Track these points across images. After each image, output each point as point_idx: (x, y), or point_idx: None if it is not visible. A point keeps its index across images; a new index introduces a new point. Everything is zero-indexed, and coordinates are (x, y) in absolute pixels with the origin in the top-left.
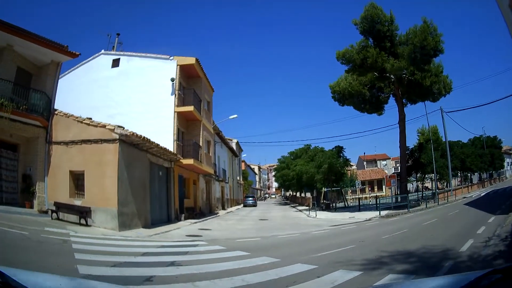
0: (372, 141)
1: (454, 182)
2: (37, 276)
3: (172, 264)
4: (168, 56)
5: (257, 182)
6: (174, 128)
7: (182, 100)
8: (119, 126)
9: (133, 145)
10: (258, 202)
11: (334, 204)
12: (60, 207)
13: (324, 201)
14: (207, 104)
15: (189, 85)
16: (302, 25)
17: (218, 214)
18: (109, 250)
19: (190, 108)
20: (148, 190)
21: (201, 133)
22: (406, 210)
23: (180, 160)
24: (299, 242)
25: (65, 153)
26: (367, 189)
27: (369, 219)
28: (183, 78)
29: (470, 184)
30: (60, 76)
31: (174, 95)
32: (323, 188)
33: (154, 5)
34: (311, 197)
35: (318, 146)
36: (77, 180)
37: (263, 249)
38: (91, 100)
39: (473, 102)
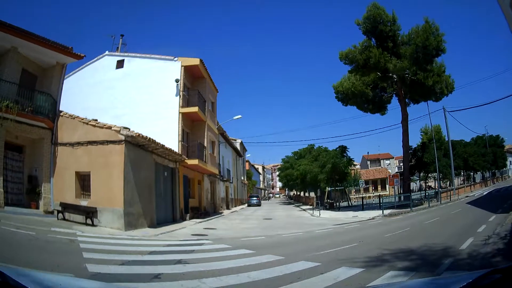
0: (376, 141)
1: (457, 181)
2: (37, 275)
3: (179, 262)
4: (172, 57)
5: (261, 182)
6: (179, 129)
7: (186, 101)
8: (125, 128)
9: (138, 146)
10: (262, 201)
11: (337, 204)
12: (66, 207)
13: (328, 200)
14: (212, 104)
15: (194, 86)
16: (305, 25)
17: (222, 214)
18: (116, 249)
19: (195, 109)
20: (154, 190)
21: (205, 134)
22: (409, 209)
23: (185, 161)
24: (303, 240)
25: (71, 154)
26: (370, 189)
27: (372, 218)
28: (188, 79)
29: (472, 183)
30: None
31: (178, 96)
32: (327, 187)
33: (155, 5)
34: (315, 196)
35: (322, 146)
36: (83, 181)
37: (267, 248)
38: (95, 101)
39: (476, 101)
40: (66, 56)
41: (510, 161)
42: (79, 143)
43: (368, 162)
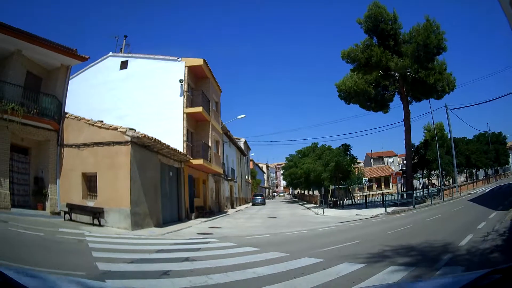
0: (379, 138)
1: (460, 178)
2: (37, 276)
3: (186, 259)
4: (176, 58)
5: (265, 181)
6: (183, 129)
7: (190, 101)
8: (130, 129)
9: (144, 147)
10: (266, 200)
11: (341, 202)
12: (73, 208)
13: (332, 198)
14: (215, 104)
15: (197, 86)
16: (305, 25)
17: (227, 213)
18: (124, 248)
19: (199, 109)
20: (159, 190)
21: (210, 134)
22: (412, 206)
23: (190, 161)
24: (306, 238)
25: (77, 155)
26: (374, 187)
27: (375, 216)
28: (191, 79)
29: (475, 180)
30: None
31: (182, 96)
32: (331, 186)
33: (155, 5)
34: (318, 195)
35: (325, 145)
36: (89, 182)
37: (272, 245)
38: (99, 102)
39: (477, 99)
40: (70, 58)
41: None
42: (85, 145)
43: (372, 160)
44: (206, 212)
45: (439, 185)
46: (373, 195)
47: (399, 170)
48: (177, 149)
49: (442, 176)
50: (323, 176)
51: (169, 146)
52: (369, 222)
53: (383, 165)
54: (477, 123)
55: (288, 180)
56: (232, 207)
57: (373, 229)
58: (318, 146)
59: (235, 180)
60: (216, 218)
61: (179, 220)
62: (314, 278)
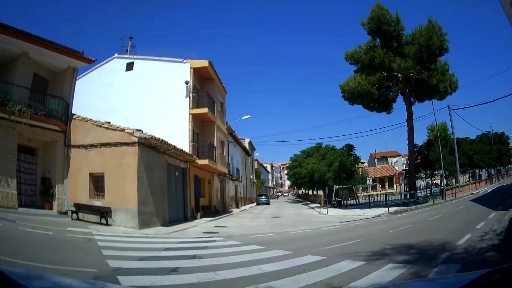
0: (383, 139)
1: (463, 178)
2: (37, 276)
3: (193, 257)
4: (181, 59)
5: (270, 181)
6: (189, 130)
7: (196, 102)
8: (138, 130)
9: (151, 147)
10: (271, 200)
11: (345, 202)
12: (80, 208)
13: (336, 198)
14: (221, 105)
15: (203, 87)
16: (306, 25)
17: (232, 212)
18: (133, 246)
19: (204, 110)
20: (166, 190)
21: (215, 134)
22: (414, 206)
23: (196, 161)
24: (310, 237)
25: (84, 156)
26: (378, 186)
27: (378, 216)
28: (197, 81)
29: (478, 180)
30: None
31: (188, 98)
32: (335, 185)
33: (155, 5)
34: (322, 194)
35: (329, 145)
36: (97, 182)
37: (276, 243)
38: (106, 103)
39: (481, 99)
40: (77, 60)
41: None
42: (92, 145)
43: (376, 160)
44: (211, 211)
45: (442, 185)
46: (376, 195)
47: (402, 170)
48: (183, 149)
49: (445, 176)
50: (327, 176)
51: (176, 146)
52: (372, 221)
53: (387, 165)
54: (479, 123)
55: (293, 180)
56: (237, 206)
57: (375, 228)
58: (322, 146)
59: (240, 180)
60: (221, 217)
61: (185, 219)
62: (316, 275)
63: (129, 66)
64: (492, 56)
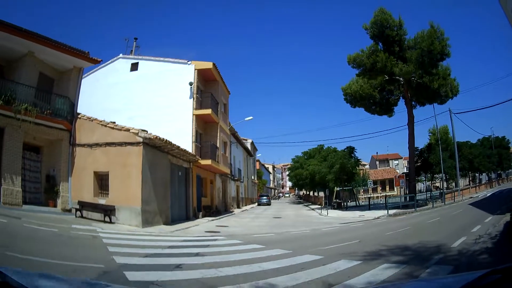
0: (385, 141)
1: (463, 182)
2: (37, 276)
3: (196, 254)
4: (186, 61)
5: (271, 181)
6: (192, 130)
7: (199, 103)
8: (142, 130)
9: (155, 147)
10: (272, 201)
11: (345, 203)
12: (85, 205)
13: (336, 200)
14: (224, 106)
15: (207, 89)
16: (307, 25)
17: (233, 212)
18: (137, 244)
19: (208, 111)
20: (169, 189)
21: (218, 135)
22: (413, 209)
23: (199, 161)
24: (309, 237)
25: (89, 155)
26: (378, 189)
27: (377, 218)
28: (201, 82)
29: (478, 184)
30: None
31: (192, 99)
32: (335, 187)
33: (155, 5)
34: (323, 196)
35: (331, 147)
36: (101, 180)
37: (276, 243)
38: (110, 103)
39: (482, 103)
40: (82, 60)
41: None
42: (97, 144)
43: (377, 162)
44: (213, 211)
45: (442, 188)
46: (377, 197)
47: (403, 173)
48: (187, 149)
49: (445, 180)
50: (328, 177)
51: (179, 147)
52: (371, 223)
53: (388, 167)
54: (481, 127)
55: (294, 181)
56: (238, 207)
57: (373, 230)
58: (324, 148)
59: (242, 180)
60: (223, 217)
61: (187, 218)
62: (313, 272)
63: (134, 67)
64: (495, 60)
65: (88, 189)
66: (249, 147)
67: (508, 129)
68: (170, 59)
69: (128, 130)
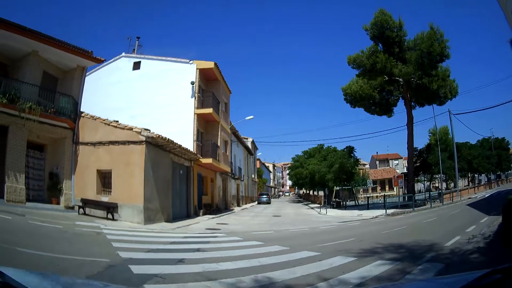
0: (385, 141)
1: (462, 183)
2: (36, 276)
3: (197, 250)
4: (187, 60)
5: (272, 180)
6: (194, 129)
7: (201, 102)
8: (145, 129)
9: (157, 146)
10: (272, 199)
11: (344, 202)
12: (87, 203)
13: (336, 199)
14: (225, 105)
15: (208, 88)
16: (315, 25)
17: (233, 211)
18: (140, 240)
19: (209, 110)
20: (170, 187)
21: (219, 134)
22: (411, 209)
23: (200, 160)
24: (307, 235)
25: (92, 153)
26: (378, 188)
27: (375, 217)
28: (202, 81)
29: (477, 185)
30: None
31: (194, 98)
32: (335, 186)
33: (155, 5)
34: (323, 195)
35: (331, 146)
36: (104, 178)
37: (275, 240)
38: (113, 101)
39: (482, 104)
40: (86, 59)
41: None
42: (100, 143)
43: (377, 162)
44: (213, 209)
45: (441, 189)
46: (376, 197)
47: (401, 173)
48: (188, 148)
49: (444, 180)
50: (327, 177)
51: (181, 146)
52: (369, 222)
53: (388, 167)
54: (481, 128)
55: (294, 180)
56: (238, 205)
57: (370, 229)
58: (324, 148)
59: (242, 179)
60: (223, 215)
61: (188, 216)
62: (310, 267)
63: (136, 65)
64: (495, 62)
65: (91, 187)
66: (250, 146)
67: (508, 130)
68: (172, 58)
69: (131, 129)
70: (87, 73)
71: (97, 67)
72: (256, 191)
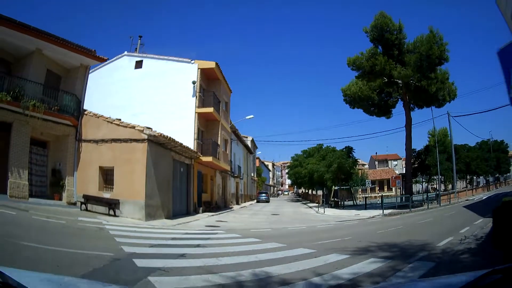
0: (385, 141)
1: (461, 184)
2: (36, 276)
3: (198, 246)
4: (189, 60)
5: (271, 179)
6: (194, 128)
7: (202, 102)
8: (147, 127)
9: (159, 144)
10: (271, 198)
11: (342, 202)
12: (89, 199)
13: (334, 199)
14: (225, 104)
15: (209, 87)
16: (315, 25)
17: (232, 209)
18: (142, 235)
19: (210, 109)
20: (171, 185)
21: (219, 132)
22: (408, 210)
23: (200, 158)
24: (304, 233)
25: (94, 150)
26: (376, 189)
27: (372, 217)
28: (203, 81)
29: (475, 187)
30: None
31: (195, 97)
32: (334, 186)
33: (155, 4)
34: (321, 194)
35: (330, 146)
36: (106, 175)
37: (273, 237)
38: (115, 99)
39: (483, 107)
40: (89, 58)
41: None
42: (103, 140)
43: (376, 163)
44: (213, 207)
45: (438, 190)
46: (375, 197)
47: (399, 173)
48: (189, 146)
49: (442, 182)
50: (325, 176)
51: (182, 144)
52: (365, 222)
53: (387, 167)
54: (480, 131)
55: (293, 179)
56: (237, 203)
57: (367, 228)
58: (323, 147)
59: (241, 177)
60: (222, 213)
61: (188, 213)
62: (305, 263)
63: (138, 64)
64: (495, 65)
65: (93, 183)
66: (250, 145)
67: (506, 133)
68: (174, 58)
69: (133, 127)
70: (90, 71)
71: (100, 66)
72: (255, 189)
